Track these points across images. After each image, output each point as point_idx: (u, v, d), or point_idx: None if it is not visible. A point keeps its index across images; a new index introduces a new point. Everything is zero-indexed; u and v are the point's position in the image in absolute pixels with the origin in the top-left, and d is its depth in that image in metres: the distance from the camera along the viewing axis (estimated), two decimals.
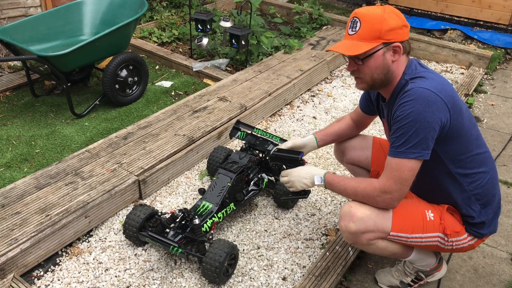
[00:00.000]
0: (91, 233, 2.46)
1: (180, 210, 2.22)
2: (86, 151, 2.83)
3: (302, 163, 2.01)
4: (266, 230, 2.50)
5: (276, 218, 2.59)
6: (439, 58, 4.79)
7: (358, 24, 1.68)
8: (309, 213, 2.64)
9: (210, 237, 2.21)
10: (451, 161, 1.74)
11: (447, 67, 4.68)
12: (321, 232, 2.51)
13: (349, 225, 1.78)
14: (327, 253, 2.26)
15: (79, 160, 2.74)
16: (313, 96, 4.01)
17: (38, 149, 3.07)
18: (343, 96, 4.02)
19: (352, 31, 1.70)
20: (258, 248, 2.38)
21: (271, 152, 2.13)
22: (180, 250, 2.09)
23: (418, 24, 5.55)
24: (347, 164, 2.39)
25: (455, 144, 1.72)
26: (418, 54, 4.88)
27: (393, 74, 1.75)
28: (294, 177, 1.99)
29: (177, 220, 2.24)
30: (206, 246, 2.22)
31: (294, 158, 2.01)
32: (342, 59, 4.63)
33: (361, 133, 2.33)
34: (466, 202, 1.78)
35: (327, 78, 4.34)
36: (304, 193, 2.04)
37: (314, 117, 3.66)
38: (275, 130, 3.45)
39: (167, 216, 2.37)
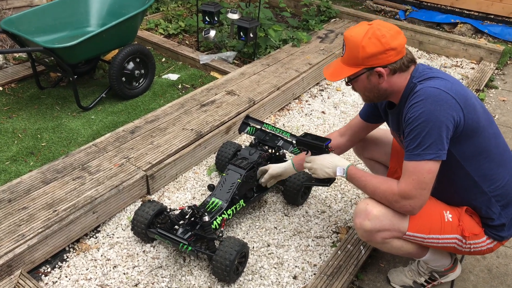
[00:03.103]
0: (98, 229, 2.43)
1: (189, 207, 2.18)
2: (93, 145, 2.79)
3: (327, 151, 1.95)
4: (275, 227, 2.47)
5: (285, 215, 2.55)
6: (449, 53, 4.72)
7: (344, 48, 1.72)
8: (319, 210, 2.60)
9: (220, 234, 2.17)
10: (468, 162, 1.69)
11: (457, 61, 4.61)
12: (331, 230, 2.47)
13: (364, 222, 1.74)
14: (339, 251, 2.22)
15: (86, 154, 2.70)
16: (322, 90, 3.95)
17: (44, 142, 3.03)
18: (352, 90, 3.95)
19: (342, 52, 1.75)
20: (268, 245, 2.35)
21: (297, 136, 2.07)
22: (190, 248, 2.06)
23: (428, 17, 5.46)
24: (365, 159, 2.35)
25: (471, 144, 1.67)
26: (427, 48, 4.81)
27: (387, 91, 1.75)
28: (317, 164, 1.93)
29: (186, 217, 2.20)
30: (216, 244, 2.18)
31: (319, 145, 1.95)
32: None
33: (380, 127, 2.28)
34: (486, 204, 1.73)
35: None
36: (327, 181, 1.97)
37: (323, 112, 3.60)
38: (283, 124, 3.41)
39: (176, 212, 2.33)
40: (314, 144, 1.97)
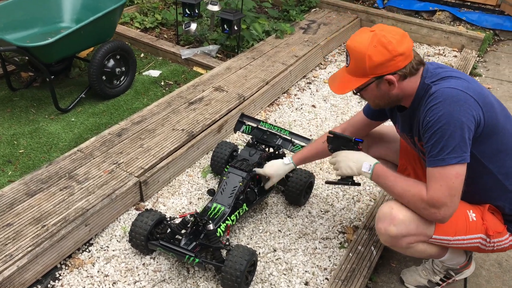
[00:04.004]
0: (91, 242, 2.26)
1: (191, 215, 2.04)
2: (78, 150, 2.59)
3: (356, 147, 1.84)
4: (280, 230, 2.36)
5: (289, 217, 2.45)
6: (430, 41, 4.71)
7: (349, 58, 1.63)
8: (322, 210, 2.52)
9: (227, 243, 2.05)
10: (490, 161, 1.64)
11: (439, 49, 4.61)
12: (337, 230, 2.38)
13: (390, 228, 1.65)
14: (350, 254, 2.14)
15: (71, 161, 2.50)
16: (309, 83, 3.86)
17: (22, 149, 2.81)
18: None
19: (346, 63, 1.66)
20: (275, 250, 2.24)
21: (329, 131, 1.96)
22: (197, 260, 1.93)
23: (406, 5, 5.44)
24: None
25: (492, 143, 1.61)
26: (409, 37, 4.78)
27: (398, 97, 1.68)
28: (341, 157, 1.82)
29: (189, 225, 2.06)
30: (222, 253, 2.06)
31: (348, 138, 1.85)
32: (334, 44, 4.48)
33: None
34: (509, 201, 1.68)
35: (321, 64, 4.19)
36: (351, 182, 1.85)
37: (314, 106, 3.51)
38: (275, 120, 3.29)
39: (177, 221, 2.19)
40: (344, 137, 1.86)
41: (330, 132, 1.94)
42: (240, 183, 2.25)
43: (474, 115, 1.52)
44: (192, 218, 2.05)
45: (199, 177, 2.71)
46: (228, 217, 2.18)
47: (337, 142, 1.90)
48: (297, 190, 2.41)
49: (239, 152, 2.47)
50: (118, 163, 2.51)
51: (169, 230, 2.10)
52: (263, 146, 2.56)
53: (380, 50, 1.53)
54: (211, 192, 2.30)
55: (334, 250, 2.26)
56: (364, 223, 2.34)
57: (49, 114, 3.15)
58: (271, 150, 2.56)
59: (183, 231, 2.07)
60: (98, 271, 2.09)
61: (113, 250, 2.21)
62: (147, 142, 2.69)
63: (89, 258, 2.17)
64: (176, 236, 2.08)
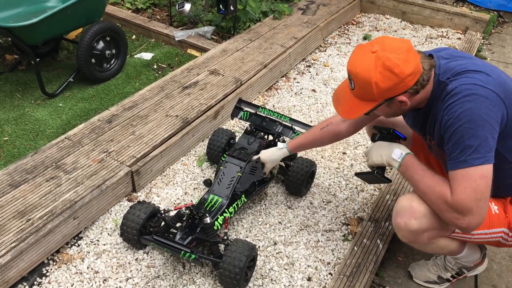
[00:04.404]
0: (80, 235, 2.13)
1: (186, 207, 1.91)
2: (66, 138, 2.44)
3: (394, 139, 1.69)
4: (280, 222, 2.24)
5: (289, 208, 2.33)
6: (433, 23, 4.55)
7: (352, 82, 1.50)
8: (324, 200, 2.39)
9: (225, 237, 1.93)
10: None
11: (442, 31, 4.46)
12: (340, 222, 2.27)
13: (410, 222, 1.53)
14: (355, 247, 2.03)
15: (58, 150, 2.36)
16: (309, 66, 3.70)
17: (7, 136, 2.65)
18: (341, 65, 3.73)
19: (350, 85, 1.52)
20: (275, 243, 2.12)
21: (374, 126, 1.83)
22: (193, 256, 1.80)
23: None
24: None
25: None
26: (411, 18, 4.63)
27: (413, 107, 1.56)
28: (375, 146, 1.70)
29: (184, 218, 1.94)
30: (220, 247, 1.93)
31: (388, 128, 1.72)
32: (334, 25, 4.31)
33: None
34: None
35: (321, 46, 4.03)
36: (381, 174, 1.69)
37: (314, 90, 3.36)
38: (273, 106, 3.15)
39: (172, 214, 2.07)
40: (385, 128, 1.73)
41: (374, 127, 1.82)
42: (239, 173, 2.12)
43: (496, 111, 1.39)
44: (187, 211, 1.92)
45: (195, 166, 2.57)
46: (226, 209, 2.05)
47: (376, 136, 1.77)
48: (298, 180, 2.28)
49: (237, 140, 2.33)
50: (108, 152, 2.36)
51: (163, 223, 1.97)
52: (262, 134, 2.43)
53: (387, 75, 1.41)
54: (207, 182, 2.16)
55: (337, 243, 2.14)
56: (369, 214, 2.22)
57: (36, 99, 2.99)
58: (271, 138, 2.42)
59: (178, 225, 1.95)
60: (88, 267, 1.96)
61: (104, 244, 2.08)
62: (139, 129, 2.55)
63: (79, 253, 2.05)
64: (171, 230, 1.96)
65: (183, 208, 1.91)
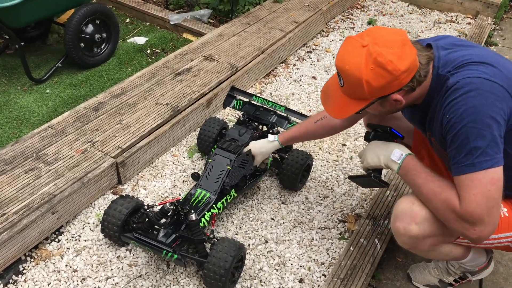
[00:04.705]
0: (61, 230, 2.02)
1: (171, 203, 1.79)
2: (49, 127, 2.32)
3: (391, 139, 1.54)
4: (273, 219, 2.11)
5: (283, 203, 2.20)
6: (442, 7, 4.34)
7: (342, 79, 1.35)
8: (320, 195, 2.26)
9: (211, 235, 1.80)
10: None
11: (452, 16, 4.25)
12: (337, 219, 2.13)
13: (410, 227, 1.39)
14: (351, 248, 1.90)
15: (40, 139, 2.23)
16: (310, 52, 3.53)
17: None
18: None
19: (339, 82, 1.38)
20: (266, 242, 2.00)
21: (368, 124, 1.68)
22: (175, 256, 1.68)
23: None
24: None
25: None
26: (419, 2, 4.42)
27: (408, 104, 1.42)
28: (370, 146, 1.55)
29: (169, 214, 1.81)
30: (206, 245, 1.81)
31: (384, 126, 1.57)
32: (338, 9, 4.12)
33: None
34: None
35: (323, 31, 3.85)
36: (377, 177, 1.54)
37: (314, 77, 3.20)
38: (271, 94, 3.00)
39: (156, 209, 1.94)
40: (381, 126, 1.58)
41: (368, 125, 1.67)
42: (228, 167, 1.98)
43: (503, 107, 1.24)
44: (172, 207, 1.79)
45: (185, 157, 2.44)
46: (214, 205, 1.92)
47: (370, 135, 1.62)
48: (292, 173, 2.14)
49: (227, 131, 2.19)
50: (92, 142, 2.24)
51: (147, 219, 1.85)
52: (256, 124, 2.29)
53: (379, 72, 1.26)
54: (195, 176, 2.03)
55: (333, 241, 2.02)
56: (368, 211, 2.08)
57: (22, 85, 2.86)
58: (266, 128, 2.28)
59: (162, 221, 1.82)
60: (66, 265, 1.85)
61: (85, 240, 1.97)
62: (127, 117, 2.41)
63: (58, 249, 1.94)
64: (156, 227, 1.84)
65: (168, 204, 1.79)
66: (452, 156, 1.28)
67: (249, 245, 1.98)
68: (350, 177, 1.67)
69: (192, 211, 1.78)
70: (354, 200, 2.24)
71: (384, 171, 2.20)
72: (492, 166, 1.21)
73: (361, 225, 2.01)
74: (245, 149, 2.05)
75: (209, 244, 1.81)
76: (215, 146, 2.10)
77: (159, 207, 1.93)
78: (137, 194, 2.20)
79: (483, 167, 1.21)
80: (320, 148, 2.55)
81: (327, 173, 2.40)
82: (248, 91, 2.97)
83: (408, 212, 1.40)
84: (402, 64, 1.25)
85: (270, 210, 2.16)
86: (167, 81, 2.73)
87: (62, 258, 1.89)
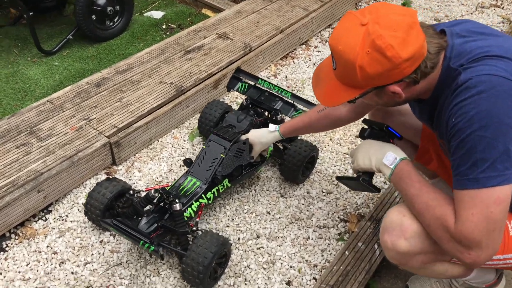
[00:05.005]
0: (50, 208, 1.96)
1: (156, 190, 1.68)
2: (48, 101, 2.26)
3: (387, 139, 1.38)
4: (268, 212, 1.98)
5: (282, 196, 2.06)
6: None
7: (335, 62, 1.16)
8: (324, 190, 2.10)
9: (194, 227, 1.69)
10: None
11: (497, 0, 3.88)
12: (338, 217, 1.97)
13: (399, 242, 1.22)
14: (346, 252, 1.74)
15: (37, 114, 2.18)
16: None
17: None
18: None
19: (333, 64, 1.19)
20: (258, 237, 1.87)
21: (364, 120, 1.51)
22: (152, 247, 1.58)
23: None
24: None
25: None
26: None
27: (410, 98, 1.22)
28: (361, 148, 1.39)
29: (155, 201, 1.71)
30: (189, 237, 1.71)
31: (379, 125, 1.41)
32: None
33: None
34: None
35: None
36: (367, 181, 1.39)
37: None
38: (286, 77, 2.82)
39: (143, 194, 1.85)
40: (377, 123, 1.41)
41: (364, 120, 1.50)
42: (222, 155, 1.85)
43: None
44: (157, 194, 1.69)
45: (186, 140, 2.33)
46: (203, 195, 1.81)
47: (365, 132, 1.45)
48: (293, 165, 1.99)
49: (226, 117, 2.05)
50: (89, 119, 2.16)
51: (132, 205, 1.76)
52: (261, 110, 2.13)
53: (376, 58, 1.07)
54: (187, 162, 1.92)
55: (330, 242, 1.86)
56: (371, 212, 1.91)
57: (32, 56, 2.82)
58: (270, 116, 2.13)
59: (146, 208, 1.72)
60: (47, 246, 1.80)
61: (71, 221, 1.90)
62: (128, 95, 2.32)
63: (44, 228, 1.88)
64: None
65: (153, 191, 1.69)
66: (455, 166, 1.10)
67: (238, 239, 1.86)
68: (338, 178, 1.51)
69: (177, 200, 1.68)
70: (359, 198, 2.07)
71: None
72: (499, 183, 1.02)
73: (361, 227, 1.84)
74: (243, 137, 1.91)
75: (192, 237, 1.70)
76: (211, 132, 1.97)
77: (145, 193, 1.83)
78: (130, 177, 2.11)
79: (489, 184, 1.02)
80: (330, 139, 2.37)
81: (335, 166, 2.22)
82: (262, 73, 2.81)
83: (398, 224, 1.23)
84: (404, 51, 1.07)
85: (267, 203, 2.02)
86: (175, 59, 2.61)
87: (45, 238, 1.83)
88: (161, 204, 1.72)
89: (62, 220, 1.92)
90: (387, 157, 1.30)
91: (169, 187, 1.84)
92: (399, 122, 1.68)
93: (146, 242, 1.58)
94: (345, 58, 1.10)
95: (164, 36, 3.11)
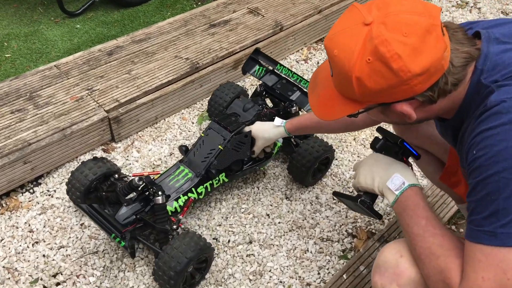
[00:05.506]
0: (39, 181, 1.85)
1: (140, 178, 1.51)
2: (55, 66, 2.14)
3: (400, 156, 1.12)
4: (268, 215, 1.77)
5: (286, 198, 1.83)
6: None
7: (331, 66, 0.92)
8: (335, 197, 1.85)
9: (175, 226, 1.51)
10: None
11: None
12: (346, 231, 1.73)
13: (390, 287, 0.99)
14: (345, 275, 1.50)
15: (41, 79, 2.06)
16: None
17: (10, 53, 2.42)
18: None
19: (330, 70, 0.93)
20: (250, 242, 1.67)
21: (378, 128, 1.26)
22: (123, 243, 1.42)
23: None
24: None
25: None
26: None
27: (426, 118, 0.96)
28: (365, 163, 1.15)
29: (139, 189, 1.55)
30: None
31: (396, 136, 1.15)
32: None
33: None
34: None
35: None
36: (367, 204, 1.13)
37: None
38: (318, 62, 2.55)
39: (133, 178, 1.69)
40: (391, 134, 1.16)
41: (378, 129, 1.25)
42: (220, 146, 1.65)
43: None
44: (141, 182, 1.52)
45: (194, 122, 2.14)
46: (194, 189, 1.62)
47: (378, 143, 1.19)
48: (302, 166, 1.75)
49: (232, 103, 1.83)
50: (92, 90, 2.01)
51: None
52: (277, 100, 1.90)
53: (379, 69, 0.81)
54: (183, 149, 1.73)
55: (330, 259, 1.63)
56: (383, 232, 1.65)
57: (56, 16, 2.71)
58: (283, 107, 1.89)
59: (128, 197, 1.56)
60: (25, 223, 1.69)
61: (57, 198, 1.79)
62: (138, 68, 2.15)
63: (29, 201, 1.78)
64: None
65: (137, 178, 1.52)
66: (470, 210, 0.84)
67: (228, 241, 1.67)
68: (336, 194, 1.26)
69: (160, 192, 1.50)
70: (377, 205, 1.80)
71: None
72: None
73: (367, 248, 1.59)
74: (246, 129, 1.69)
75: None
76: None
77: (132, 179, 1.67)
78: (128, 156, 1.96)
79: (509, 244, 0.76)
80: (354, 139, 2.10)
81: (352, 170, 1.96)
82: (291, 56, 2.56)
83: (392, 266, 0.99)
84: (415, 63, 0.80)
85: (269, 203, 1.81)
86: (197, 32, 2.40)
87: (28, 212, 1.73)
88: (146, 193, 1.56)
89: (49, 195, 1.80)
90: (393, 180, 1.05)
91: (158, 175, 1.67)
92: (425, 133, 1.40)
93: (117, 236, 1.43)
94: (340, 65, 0.86)
95: (195, 6, 2.90)
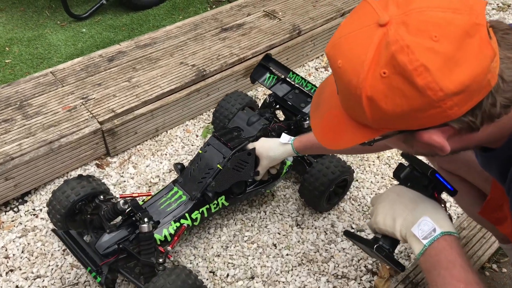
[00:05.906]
0: (25, 198, 1.69)
1: (125, 202, 1.32)
2: (51, 72, 1.98)
3: (431, 192, 0.89)
4: (275, 245, 1.54)
5: (297, 225, 1.60)
6: None
7: (336, 83, 0.71)
8: (354, 226, 1.61)
9: (161, 260, 1.30)
10: None
11: None
12: (365, 266, 1.48)
13: None
14: None
15: (34, 86, 1.91)
16: None
17: (10, 58, 2.29)
18: None
19: (337, 87, 0.72)
20: (252, 277, 1.44)
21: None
22: (99, 278, 1.23)
23: None
24: (443, 170, 1.24)
25: None
26: None
27: (465, 148, 0.74)
28: (385, 198, 0.91)
29: (126, 213, 1.35)
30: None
31: (427, 166, 0.91)
32: None
33: None
34: None
35: None
36: (385, 252, 0.90)
37: None
38: None
39: (118, 201, 1.49)
40: (419, 163, 0.93)
41: (402, 154, 1.00)
42: (219, 166, 1.43)
43: None
44: (126, 206, 1.32)
45: (199, 136, 1.94)
46: (187, 214, 1.41)
47: (402, 172, 0.95)
48: (315, 189, 1.51)
49: (235, 116, 1.61)
50: (87, 98, 1.84)
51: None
52: (289, 113, 1.67)
53: (398, 87, 0.60)
54: (178, 167, 1.53)
55: None
56: (409, 271, 1.39)
57: (63, 20, 2.58)
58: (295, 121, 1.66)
59: (113, 223, 1.37)
60: (3, 247, 1.52)
61: (41, 219, 1.61)
62: (140, 75, 1.97)
63: (12, 221, 1.61)
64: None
65: (121, 201, 1.32)
66: None
67: (227, 275, 1.44)
68: (347, 234, 1.01)
69: (146, 219, 1.30)
70: (401, 245, 1.55)
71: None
72: None
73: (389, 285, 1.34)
74: (250, 146, 1.47)
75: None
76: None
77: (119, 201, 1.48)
78: (123, 173, 1.77)
79: None
80: (378, 157, 1.85)
81: (374, 192, 1.71)
82: (310, 63, 2.33)
83: None
84: (450, 79, 0.58)
85: (276, 231, 1.57)
86: (207, 36, 2.21)
87: (8, 233, 1.56)
88: (133, 219, 1.36)
89: (34, 215, 1.63)
90: (421, 224, 0.81)
91: (150, 197, 1.47)
92: (462, 156, 1.14)
93: (92, 270, 1.23)
94: (345, 82, 0.63)
95: (208, 9, 2.72)
